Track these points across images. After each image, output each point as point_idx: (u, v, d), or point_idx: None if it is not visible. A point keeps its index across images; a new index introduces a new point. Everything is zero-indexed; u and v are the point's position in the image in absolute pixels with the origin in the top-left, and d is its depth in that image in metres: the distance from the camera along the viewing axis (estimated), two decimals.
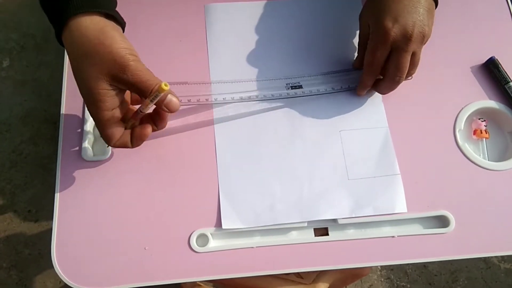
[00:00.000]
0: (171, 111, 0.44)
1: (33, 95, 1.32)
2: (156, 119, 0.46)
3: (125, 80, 0.40)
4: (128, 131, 0.45)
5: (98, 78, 0.40)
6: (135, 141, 0.45)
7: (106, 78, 0.40)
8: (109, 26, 0.41)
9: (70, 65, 0.43)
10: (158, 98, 0.42)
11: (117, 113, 0.43)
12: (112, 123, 0.43)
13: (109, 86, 0.41)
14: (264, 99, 0.54)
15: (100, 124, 0.43)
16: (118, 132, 0.44)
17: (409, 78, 0.53)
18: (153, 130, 0.46)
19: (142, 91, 0.41)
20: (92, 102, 0.41)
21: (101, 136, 0.44)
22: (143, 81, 0.41)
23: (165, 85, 0.40)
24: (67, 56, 0.55)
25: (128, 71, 0.40)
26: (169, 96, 0.43)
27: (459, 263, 1.17)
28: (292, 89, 0.54)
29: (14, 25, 1.38)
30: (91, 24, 0.40)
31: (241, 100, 0.53)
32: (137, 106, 0.45)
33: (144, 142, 0.51)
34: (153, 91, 0.41)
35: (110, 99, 0.41)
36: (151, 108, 0.44)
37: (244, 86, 0.54)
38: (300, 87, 0.54)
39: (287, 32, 0.58)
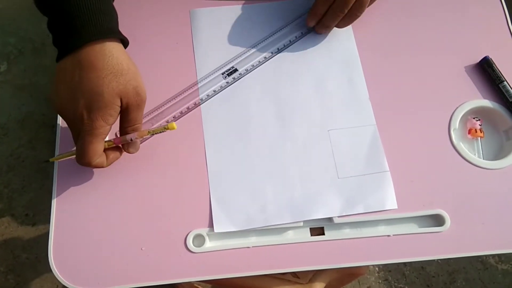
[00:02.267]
0: (129, 152, 0.49)
1: (31, 99, 1.32)
2: (129, 146, 0.49)
3: (132, 110, 0.45)
4: (103, 152, 0.46)
5: (117, 96, 0.43)
6: (109, 161, 0.48)
7: (122, 99, 0.44)
8: (130, 57, 0.46)
9: (59, 78, 0.44)
10: (159, 133, 0.48)
11: (108, 131, 0.45)
12: (103, 139, 0.45)
13: (119, 104, 0.44)
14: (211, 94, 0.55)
15: (94, 139, 0.43)
16: (102, 149, 0.45)
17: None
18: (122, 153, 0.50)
19: (130, 126, 0.47)
20: (102, 114, 0.43)
21: (81, 155, 0.44)
22: (140, 120, 0.47)
23: (175, 125, 0.46)
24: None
25: (141, 106, 0.46)
26: (137, 140, 0.48)
27: (456, 264, 1.17)
28: (229, 75, 0.56)
29: (12, 30, 1.39)
30: (120, 48, 0.45)
31: (227, 85, 0.55)
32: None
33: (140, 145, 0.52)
34: (160, 127, 0.47)
35: (115, 115, 0.44)
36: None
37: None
38: (236, 70, 0.56)
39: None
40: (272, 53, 0.57)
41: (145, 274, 0.48)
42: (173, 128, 0.46)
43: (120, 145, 0.48)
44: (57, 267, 0.48)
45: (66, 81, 0.43)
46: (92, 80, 0.42)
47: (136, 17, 0.58)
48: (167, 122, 0.53)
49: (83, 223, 0.49)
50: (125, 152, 0.49)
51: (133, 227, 0.49)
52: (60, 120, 0.53)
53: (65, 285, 0.47)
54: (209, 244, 0.49)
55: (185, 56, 0.57)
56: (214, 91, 0.55)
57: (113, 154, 0.48)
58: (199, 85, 0.55)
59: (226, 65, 0.56)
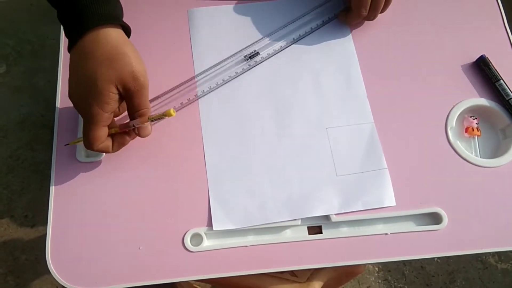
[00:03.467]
0: (141, 136, 0.48)
1: (30, 100, 1.32)
2: (140, 131, 0.48)
3: (133, 95, 0.45)
4: (109, 137, 0.47)
5: (111, 81, 0.43)
6: (116, 146, 0.48)
7: (118, 84, 0.43)
8: (130, 42, 0.45)
9: (69, 67, 0.45)
10: (159, 120, 0.46)
11: (110, 118, 0.45)
12: (103, 126, 0.45)
13: (116, 91, 0.44)
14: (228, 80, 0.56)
15: (93, 126, 0.44)
16: (104, 135, 0.46)
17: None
18: (133, 138, 0.50)
19: (136, 111, 0.46)
20: (97, 101, 0.43)
21: (85, 140, 0.45)
22: (145, 105, 0.46)
23: (173, 111, 0.45)
24: (62, 60, 0.56)
25: (141, 92, 0.45)
26: (147, 123, 0.47)
27: (456, 264, 1.17)
28: (251, 58, 0.56)
29: (11, 31, 1.39)
30: (118, 34, 0.44)
31: (224, 82, 0.56)
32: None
33: (137, 143, 0.52)
34: (159, 113, 0.46)
35: (112, 103, 0.44)
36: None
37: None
38: (257, 54, 0.57)
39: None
40: (271, 52, 0.57)
41: (143, 273, 0.48)
42: (170, 115, 0.45)
43: (127, 131, 0.49)
44: (55, 267, 0.48)
45: (73, 71, 0.45)
46: (89, 68, 0.43)
47: (133, 17, 0.58)
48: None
49: (81, 222, 0.49)
50: (120, 151, 0.49)
51: (131, 226, 0.49)
52: (58, 121, 0.54)
53: (64, 285, 0.47)
54: (207, 243, 0.49)
55: (183, 56, 0.57)
56: (215, 85, 0.56)
57: (119, 140, 0.48)
58: (197, 83, 0.56)
59: (223, 64, 0.56)
